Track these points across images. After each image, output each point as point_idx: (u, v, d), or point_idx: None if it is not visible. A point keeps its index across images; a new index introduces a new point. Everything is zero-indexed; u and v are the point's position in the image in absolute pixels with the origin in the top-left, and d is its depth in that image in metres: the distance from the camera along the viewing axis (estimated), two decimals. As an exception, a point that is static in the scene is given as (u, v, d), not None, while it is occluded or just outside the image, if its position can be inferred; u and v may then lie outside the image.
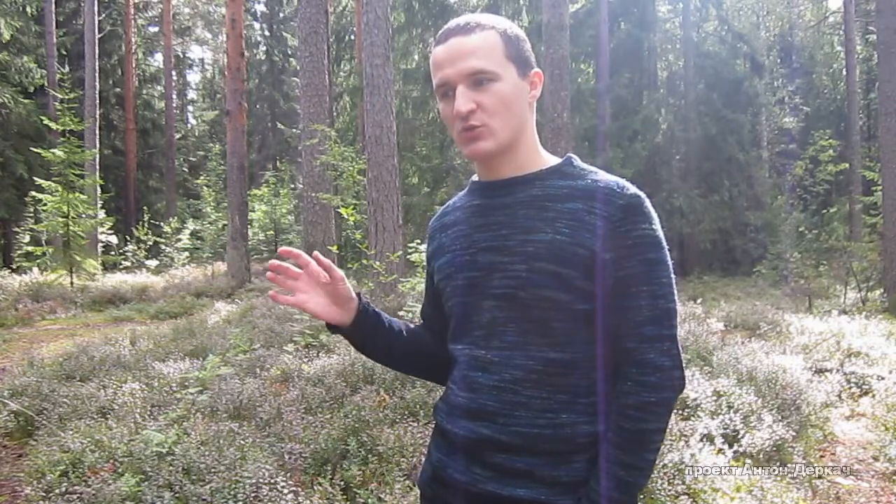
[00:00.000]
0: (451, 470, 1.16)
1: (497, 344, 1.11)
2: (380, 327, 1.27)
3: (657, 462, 2.84)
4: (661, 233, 1.09)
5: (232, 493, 2.65)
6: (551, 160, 1.18)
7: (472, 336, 1.15)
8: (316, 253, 1.20)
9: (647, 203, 1.09)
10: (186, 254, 19.02)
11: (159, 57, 29.86)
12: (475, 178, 1.25)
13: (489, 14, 1.15)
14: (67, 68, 20.26)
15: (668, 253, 1.10)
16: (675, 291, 1.10)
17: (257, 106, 31.73)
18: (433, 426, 1.28)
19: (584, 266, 1.06)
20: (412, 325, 1.35)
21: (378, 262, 6.35)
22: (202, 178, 23.00)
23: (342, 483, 2.82)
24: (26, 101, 18.24)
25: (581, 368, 1.09)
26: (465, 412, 1.14)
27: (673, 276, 1.10)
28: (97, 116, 17.30)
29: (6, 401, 4.20)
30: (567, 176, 1.14)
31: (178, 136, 28.45)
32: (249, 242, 16.21)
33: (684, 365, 1.10)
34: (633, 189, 1.09)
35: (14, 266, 15.99)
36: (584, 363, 1.09)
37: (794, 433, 3.68)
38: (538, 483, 1.08)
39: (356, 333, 1.25)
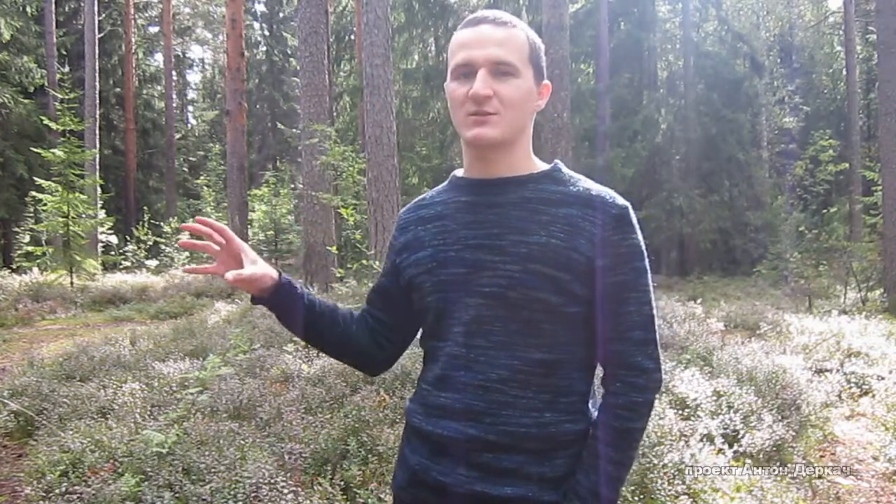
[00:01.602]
0: (435, 472, 1.15)
1: (482, 343, 1.11)
2: (298, 305, 1.23)
3: (657, 462, 2.85)
4: (643, 242, 1.15)
5: (232, 493, 2.65)
6: (541, 165, 1.20)
7: (452, 333, 1.15)
8: (205, 220, 1.20)
9: (634, 214, 1.15)
10: (186, 254, 19.02)
11: (159, 57, 29.85)
12: (459, 173, 1.24)
13: (516, 18, 1.18)
14: (67, 68, 20.28)
15: (647, 261, 1.17)
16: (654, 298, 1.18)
17: (257, 106, 31.71)
18: (404, 429, 1.27)
19: (577, 270, 1.09)
20: (343, 311, 1.31)
21: (378, 262, 6.34)
22: (202, 178, 23.04)
23: (342, 483, 2.82)
24: (26, 101, 18.23)
25: (564, 369, 1.12)
26: (450, 412, 1.14)
27: (652, 284, 1.17)
28: (97, 116, 17.29)
29: (6, 401, 4.20)
30: (558, 181, 1.16)
31: (178, 136, 28.43)
32: (249, 242, 16.20)
33: (663, 367, 1.16)
34: (621, 199, 1.15)
35: (14, 266, 15.99)
36: (567, 364, 1.13)
37: (794, 433, 3.68)
38: (525, 480, 1.09)
39: (274, 306, 1.22)
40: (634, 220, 1.14)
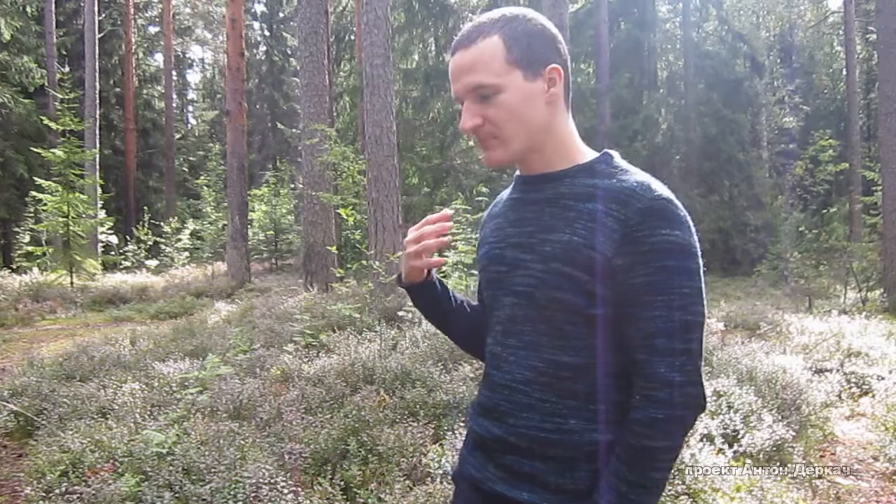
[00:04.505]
0: (469, 466, 1.19)
1: (513, 342, 1.12)
2: (443, 297, 1.32)
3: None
4: (687, 238, 1.01)
5: (232, 493, 2.65)
6: (588, 156, 1.13)
7: (493, 331, 1.17)
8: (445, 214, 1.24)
9: (674, 207, 1.01)
10: (186, 254, 19.01)
11: (159, 57, 29.81)
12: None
13: (501, 10, 1.10)
14: (67, 68, 20.27)
15: (695, 260, 1.02)
16: (703, 302, 1.02)
17: (257, 106, 31.70)
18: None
19: (596, 270, 1.02)
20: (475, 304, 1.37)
21: (378, 262, 6.34)
22: (202, 178, 22.96)
23: (342, 483, 2.82)
24: (26, 101, 18.22)
25: (592, 374, 1.05)
26: (484, 410, 1.17)
27: (701, 285, 1.02)
28: (97, 116, 17.27)
29: (6, 401, 4.20)
30: (596, 174, 1.09)
31: (178, 136, 28.42)
32: (249, 242, 16.21)
33: (704, 380, 1.02)
34: (659, 191, 1.02)
35: (14, 266, 15.96)
36: (597, 369, 1.06)
37: (794, 433, 3.68)
38: (543, 489, 1.07)
39: (423, 295, 1.31)
40: (671, 214, 1.00)
